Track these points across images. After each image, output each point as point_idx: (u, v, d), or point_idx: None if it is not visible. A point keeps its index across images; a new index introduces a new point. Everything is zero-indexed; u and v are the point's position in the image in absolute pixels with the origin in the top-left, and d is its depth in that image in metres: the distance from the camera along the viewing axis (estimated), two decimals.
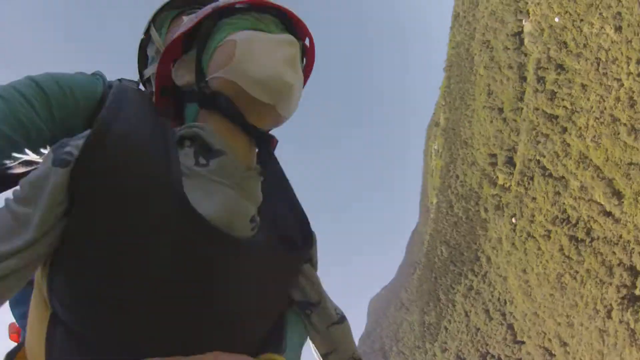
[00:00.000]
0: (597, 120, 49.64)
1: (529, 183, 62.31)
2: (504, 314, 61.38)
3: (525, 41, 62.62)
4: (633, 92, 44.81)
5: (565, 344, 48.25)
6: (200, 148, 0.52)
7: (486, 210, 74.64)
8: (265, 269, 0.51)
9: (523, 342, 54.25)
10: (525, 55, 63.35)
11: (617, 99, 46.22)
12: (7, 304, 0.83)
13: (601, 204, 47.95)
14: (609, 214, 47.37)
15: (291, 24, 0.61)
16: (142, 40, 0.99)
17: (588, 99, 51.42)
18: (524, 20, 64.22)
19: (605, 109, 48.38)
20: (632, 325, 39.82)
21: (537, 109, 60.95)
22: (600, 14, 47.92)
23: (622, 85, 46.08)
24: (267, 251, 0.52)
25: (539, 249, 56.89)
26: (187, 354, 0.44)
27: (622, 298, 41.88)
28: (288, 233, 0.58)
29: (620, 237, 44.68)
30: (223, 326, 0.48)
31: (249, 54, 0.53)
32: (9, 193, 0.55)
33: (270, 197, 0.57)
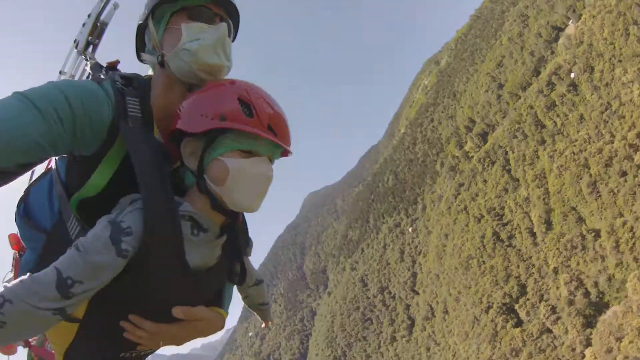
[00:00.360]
0: (572, 155, 51.40)
1: (488, 165, 65.48)
2: (414, 262, 71.35)
3: (560, 40, 57.60)
4: (616, 154, 46.23)
5: (446, 312, 59.34)
6: (194, 224, 0.88)
7: (442, 165, 78.40)
8: (218, 273, 0.97)
9: (417, 293, 65.19)
10: (552, 52, 59.06)
11: (600, 150, 47.58)
12: (20, 219, 1.07)
13: (532, 223, 53.44)
14: (533, 234, 53.39)
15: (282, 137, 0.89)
16: (140, 26, 1.05)
17: (577, 131, 51.97)
18: (571, 21, 57.55)
19: (584, 150, 49.85)
20: (497, 328, 49.61)
21: (531, 107, 60.25)
22: None
23: (612, 143, 46.94)
24: (222, 265, 0.97)
25: (467, 225, 63.69)
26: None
27: (503, 304, 51.06)
28: (240, 250, 1.04)
29: (530, 257, 51.80)
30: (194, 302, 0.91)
31: (236, 185, 0.85)
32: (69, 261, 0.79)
33: (235, 232, 0.98)
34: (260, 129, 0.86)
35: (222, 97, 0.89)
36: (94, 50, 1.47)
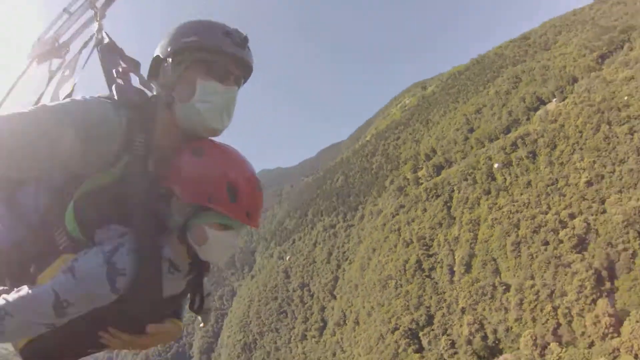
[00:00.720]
0: (508, 212, 55.00)
1: (432, 197, 68.02)
2: (338, 266, 72.43)
3: (539, 112, 61.50)
4: (545, 225, 50.27)
5: (357, 322, 60.97)
6: (172, 265, 1.08)
7: (392, 182, 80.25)
8: (182, 296, 1.18)
9: (335, 297, 66.38)
10: (528, 119, 62.84)
11: (533, 217, 51.57)
12: None
13: (454, 262, 56.41)
14: (452, 272, 56.37)
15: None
16: (157, 58, 1.11)
17: (521, 194, 55.86)
18: (555, 99, 61.59)
19: (520, 212, 53.68)
20: (399, 350, 51.94)
21: (489, 159, 63.65)
22: (595, 162, 49.31)
23: (545, 214, 51.01)
24: (185, 291, 1.18)
25: (395, 246, 65.75)
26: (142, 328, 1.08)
27: (409, 329, 53.41)
28: (201, 283, 1.22)
29: (444, 292, 54.72)
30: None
31: (210, 250, 1.05)
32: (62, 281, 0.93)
33: (199, 269, 1.18)
34: (239, 214, 1.04)
35: (214, 179, 1.03)
36: (106, 4, 1.41)
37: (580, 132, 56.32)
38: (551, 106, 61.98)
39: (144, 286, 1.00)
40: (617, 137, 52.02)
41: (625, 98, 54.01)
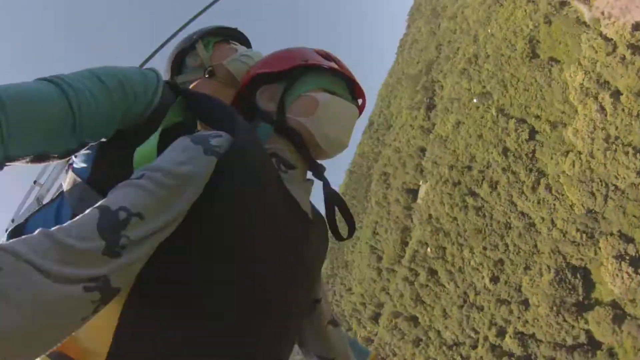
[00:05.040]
0: None
1: None
2: None
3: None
4: None
5: None
6: (281, 161, 0.72)
7: None
8: (316, 255, 0.73)
9: None
10: None
11: None
12: None
13: None
14: None
15: (353, 87, 0.85)
16: (183, 50, 1.16)
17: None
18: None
19: None
20: None
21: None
22: None
23: None
24: (318, 238, 0.73)
25: None
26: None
27: None
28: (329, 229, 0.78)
29: None
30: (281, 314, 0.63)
31: (326, 115, 0.76)
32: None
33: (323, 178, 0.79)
34: (342, 70, 0.85)
35: (302, 49, 0.87)
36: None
37: None
38: None
39: (251, 163, 0.70)
40: None
41: None
